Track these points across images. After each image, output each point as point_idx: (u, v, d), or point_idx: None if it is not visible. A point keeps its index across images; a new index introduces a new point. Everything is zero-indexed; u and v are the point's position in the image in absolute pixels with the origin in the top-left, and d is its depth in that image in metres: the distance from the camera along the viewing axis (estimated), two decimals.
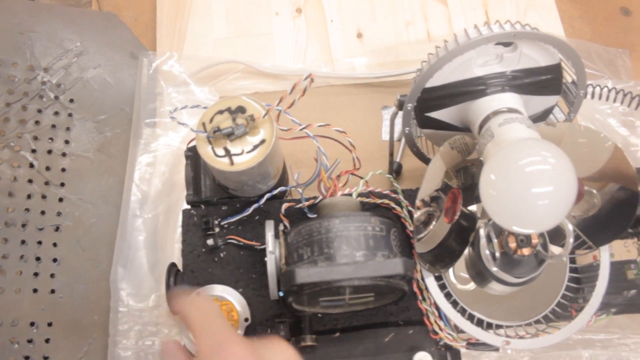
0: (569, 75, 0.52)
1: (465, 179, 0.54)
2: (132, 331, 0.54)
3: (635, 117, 0.63)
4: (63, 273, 0.57)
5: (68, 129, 0.61)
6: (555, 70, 0.50)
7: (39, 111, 0.60)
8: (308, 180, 0.50)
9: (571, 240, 0.45)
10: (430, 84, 0.50)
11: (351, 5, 0.69)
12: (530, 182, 0.41)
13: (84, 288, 0.57)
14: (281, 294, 0.48)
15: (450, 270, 0.53)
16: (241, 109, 0.49)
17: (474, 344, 0.50)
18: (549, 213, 0.43)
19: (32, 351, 0.54)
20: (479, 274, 0.52)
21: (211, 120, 0.49)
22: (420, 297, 0.50)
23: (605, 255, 0.50)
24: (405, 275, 0.43)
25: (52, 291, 0.56)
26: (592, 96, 0.56)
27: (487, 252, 0.47)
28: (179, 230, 0.58)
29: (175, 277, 0.53)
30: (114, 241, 0.59)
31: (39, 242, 0.57)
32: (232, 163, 0.47)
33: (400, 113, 0.53)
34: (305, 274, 0.42)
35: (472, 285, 0.53)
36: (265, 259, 0.46)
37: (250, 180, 0.50)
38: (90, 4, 0.70)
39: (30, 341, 0.54)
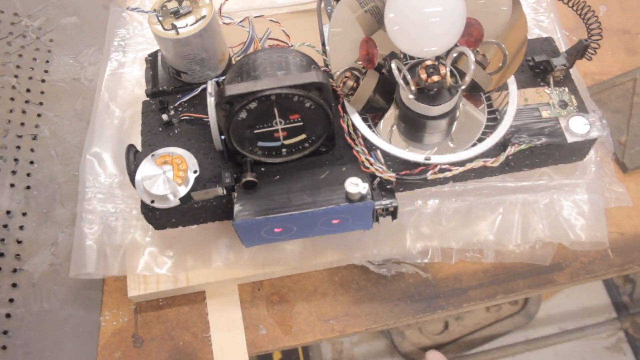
0: None
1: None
2: (97, 212, 0.58)
3: None
4: (38, 173, 0.63)
5: (47, 61, 0.70)
6: None
7: (22, 47, 0.69)
8: (241, 48, 0.58)
9: (473, 66, 0.52)
10: None
11: None
12: (421, 4, 0.50)
13: (57, 187, 0.63)
14: (222, 137, 0.54)
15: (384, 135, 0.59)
16: None
17: (402, 176, 0.54)
18: (442, 30, 0.51)
19: (6, 235, 0.59)
20: (409, 123, 0.57)
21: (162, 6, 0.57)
22: (348, 136, 0.56)
23: (513, 86, 0.56)
24: (321, 86, 0.49)
25: (28, 187, 0.62)
26: None
27: (402, 81, 0.53)
28: None
29: (135, 155, 0.59)
30: None
31: (18, 147, 0.64)
32: (177, 33, 0.56)
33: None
34: (233, 88, 0.48)
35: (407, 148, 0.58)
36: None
37: (197, 55, 0.58)
38: None
39: (5, 226, 0.59)
